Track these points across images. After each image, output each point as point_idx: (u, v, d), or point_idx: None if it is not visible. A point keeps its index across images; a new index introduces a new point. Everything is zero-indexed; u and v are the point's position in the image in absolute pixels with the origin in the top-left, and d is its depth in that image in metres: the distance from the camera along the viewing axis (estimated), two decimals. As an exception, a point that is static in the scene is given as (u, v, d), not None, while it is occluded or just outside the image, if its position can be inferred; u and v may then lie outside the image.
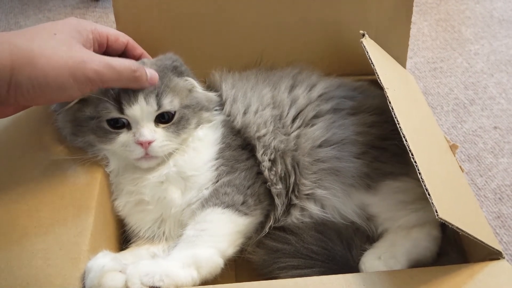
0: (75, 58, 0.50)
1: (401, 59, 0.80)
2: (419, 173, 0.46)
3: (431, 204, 0.44)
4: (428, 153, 0.54)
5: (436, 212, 0.43)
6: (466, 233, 0.45)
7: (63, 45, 0.51)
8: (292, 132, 0.64)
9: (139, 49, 0.65)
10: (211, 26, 0.76)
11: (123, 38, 0.62)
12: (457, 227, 0.44)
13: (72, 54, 0.51)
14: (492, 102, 1.02)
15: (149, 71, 0.57)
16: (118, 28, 0.74)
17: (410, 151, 0.48)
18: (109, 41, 0.60)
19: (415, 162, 0.47)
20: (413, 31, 0.79)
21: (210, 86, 0.70)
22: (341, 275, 0.49)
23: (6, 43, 0.48)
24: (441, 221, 0.43)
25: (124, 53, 0.64)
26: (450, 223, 0.44)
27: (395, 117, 0.51)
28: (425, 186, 0.45)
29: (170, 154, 0.60)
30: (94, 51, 0.57)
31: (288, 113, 0.66)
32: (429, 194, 0.44)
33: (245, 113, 0.66)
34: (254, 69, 0.73)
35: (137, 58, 0.65)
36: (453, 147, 0.64)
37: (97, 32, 0.58)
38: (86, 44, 0.55)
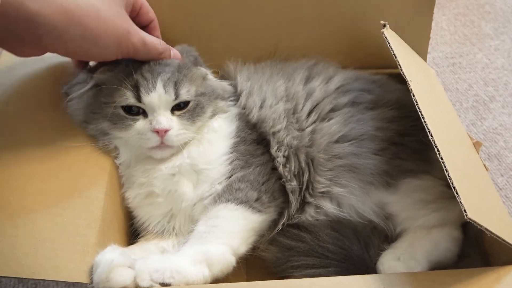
0: (123, 27, 0.53)
1: (422, 53, 0.77)
2: (446, 171, 0.43)
3: (460, 204, 0.41)
4: (453, 149, 0.51)
5: (465, 212, 0.40)
6: (495, 235, 0.43)
7: (114, 9, 0.53)
8: (307, 127, 0.62)
9: (158, 32, 0.63)
10: (224, 15, 0.74)
11: (152, 14, 0.62)
12: (485, 229, 0.42)
13: (121, 22, 0.53)
14: (513, 99, 0.98)
15: (174, 52, 0.60)
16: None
17: (436, 147, 0.45)
18: (141, 11, 0.60)
19: (442, 158, 0.44)
20: (431, 25, 0.77)
21: (224, 77, 0.68)
22: (359, 276, 0.47)
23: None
24: (470, 221, 0.41)
25: (144, 29, 0.62)
26: (479, 224, 0.41)
27: (420, 111, 0.49)
28: (452, 184, 0.43)
29: (185, 144, 0.59)
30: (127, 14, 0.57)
31: (303, 107, 0.64)
32: (457, 193, 0.42)
33: (261, 107, 0.64)
34: (268, 61, 0.71)
35: None
36: (476, 145, 0.61)
37: None
38: (127, 6, 0.56)
